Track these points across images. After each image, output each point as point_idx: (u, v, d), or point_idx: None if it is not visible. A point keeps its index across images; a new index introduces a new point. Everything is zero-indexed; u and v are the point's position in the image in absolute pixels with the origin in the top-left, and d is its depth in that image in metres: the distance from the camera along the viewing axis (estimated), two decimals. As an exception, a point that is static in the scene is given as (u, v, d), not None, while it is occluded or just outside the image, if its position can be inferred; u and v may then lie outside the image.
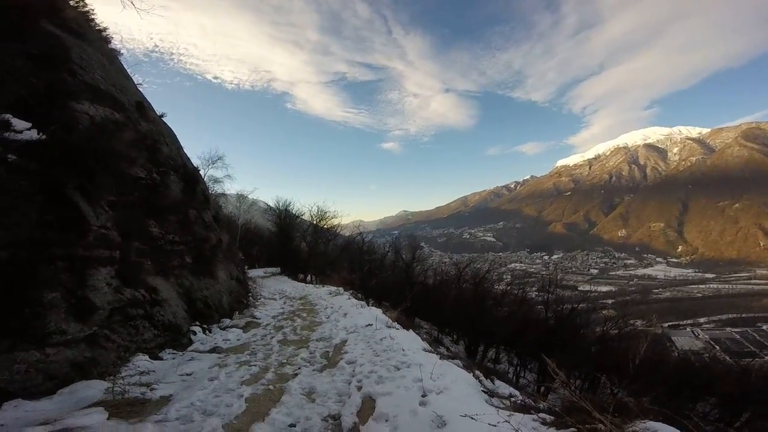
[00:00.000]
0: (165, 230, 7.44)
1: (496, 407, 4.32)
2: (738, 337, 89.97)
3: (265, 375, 5.22)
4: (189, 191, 9.14)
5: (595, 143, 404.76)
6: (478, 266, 35.12)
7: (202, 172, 22.54)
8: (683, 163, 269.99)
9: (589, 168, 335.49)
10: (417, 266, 23.84)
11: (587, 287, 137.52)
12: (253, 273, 23.02)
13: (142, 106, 8.04)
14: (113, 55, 8.85)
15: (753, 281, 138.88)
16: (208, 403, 4.09)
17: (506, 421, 3.20)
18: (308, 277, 25.41)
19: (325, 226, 28.16)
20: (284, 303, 12.61)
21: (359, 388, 4.53)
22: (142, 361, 5.26)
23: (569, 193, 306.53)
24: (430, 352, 6.65)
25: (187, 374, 5.17)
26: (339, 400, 4.40)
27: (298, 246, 29.63)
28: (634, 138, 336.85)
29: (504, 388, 7.73)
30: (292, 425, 3.79)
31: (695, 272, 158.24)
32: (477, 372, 7.99)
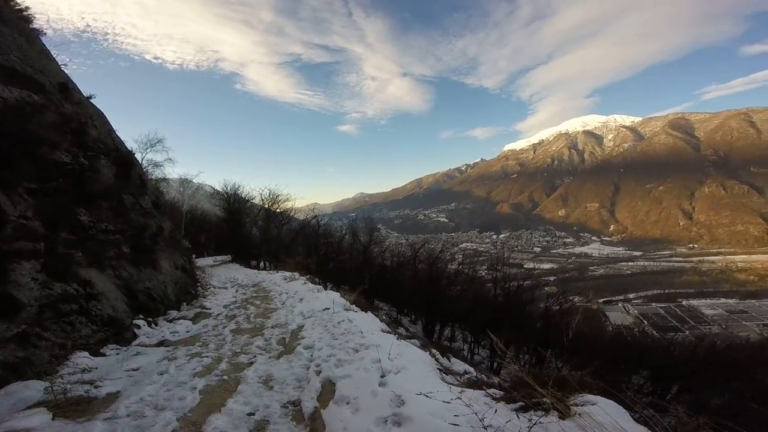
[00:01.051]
0: (97, 218, 6.83)
1: (451, 384, 4.46)
2: (662, 312, 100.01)
3: (218, 366, 5.08)
4: (123, 176, 8.41)
5: (540, 129, 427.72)
6: (432, 247, 36.14)
7: (139, 156, 20.77)
8: (617, 148, 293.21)
9: (534, 152, 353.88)
10: (375, 248, 23.98)
11: (531, 265, 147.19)
12: (202, 262, 21.93)
13: (66, 87, 7.18)
14: (34, 35, 7.94)
15: (674, 258, 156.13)
16: (160, 398, 4.00)
17: (458, 397, 3.33)
18: (261, 264, 24.67)
19: (278, 210, 27.33)
20: (236, 291, 12.19)
21: (318, 373, 4.54)
22: (82, 358, 4.98)
23: (515, 175, 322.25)
24: (388, 333, 6.75)
25: (134, 369, 4.97)
26: (298, 386, 4.40)
27: (250, 231, 28.56)
28: (575, 125, 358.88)
29: (459, 366, 8.07)
30: (251, 414, 3.75)
31: (625, 250, 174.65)
32: (433, 351, 8.18)
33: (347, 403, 3.65)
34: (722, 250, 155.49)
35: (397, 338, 6.48)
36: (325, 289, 12.67)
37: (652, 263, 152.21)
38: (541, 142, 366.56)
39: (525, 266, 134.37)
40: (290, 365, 5.06)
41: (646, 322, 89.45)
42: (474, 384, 4.93)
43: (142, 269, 8.26)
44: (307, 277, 15.04)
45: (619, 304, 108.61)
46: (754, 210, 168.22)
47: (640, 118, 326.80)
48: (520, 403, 3.62)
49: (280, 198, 26.65)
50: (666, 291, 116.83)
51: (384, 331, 6.80)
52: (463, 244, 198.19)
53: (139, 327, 6.80)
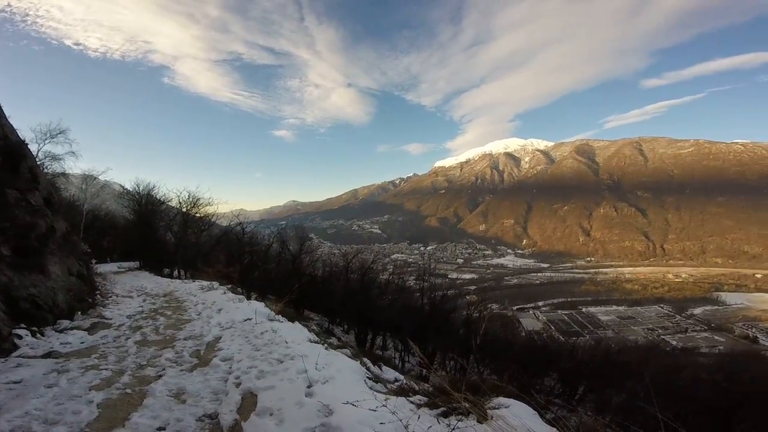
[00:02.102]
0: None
1: (380, 392, 4.51)
2: (566, 318, 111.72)
3: (120, 378, 4.58)
4: (9, 168, 7.23)
5: (468, 148, 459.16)
6: (365, 257, 36.37)
7: (34, 148, 17.92)
8: (531, 170, 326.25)
9: (461, 170, 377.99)
10: (305, 257, 23.38)
11: (455, 275, 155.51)
12: (104, 268, 19.34)
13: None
14: None
15: (575, 270, 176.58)
16: (49, 412, 3.60)
17: (384, 405, 3.38)
18: (176, 272, 22.57)
19: (198, 215, 25.29)
20: (143, 301, 10.97)
21: (238, 385, 4.29)
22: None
23: (443, 191, 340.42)
24: (316, 342, 6.61)
25: (15, 382, 4.36)
26: (215, 399, 4.11)
27: (163, 236, 25.97)
28: (498, 147, 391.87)
29: (390, 374, 8.06)
30: (161, 429, 3.46)
31: (535, 262, 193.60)
32: (365, 359, 8.17)
33: (271, 415, 3.52)
34: (613, 263, 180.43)
35: (326, 348, 6.41)
36: (249, 299, 12.01)
37: (557, 274, 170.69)
38: (467, 161, 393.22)
39: (449, 276, 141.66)
40: (205, 378, 4.71)
41: (553, 327, 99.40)
42: (401, 391, 5.00)
43: (26, 274, 7.13)
44: (229, 286, 14.11)
45: (530, 311, 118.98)
46: (639, 229, 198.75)
47: (553, 143, 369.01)
48: (442, 409, 3.76)
49: (200, 202, 24.66)
50: (569, 299, 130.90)
51: (312, 341, 6.68)
52: (395, 255, 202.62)
53: (20, 337, 6.05)
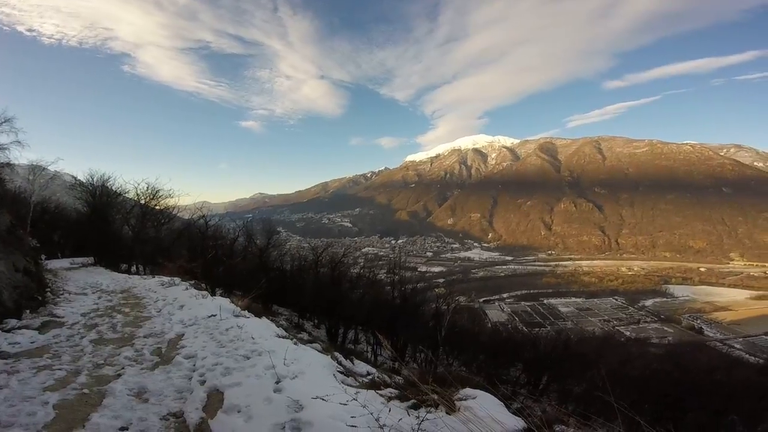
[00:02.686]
0: None
1: (351, 386, 4.56)
2: (529, 309, 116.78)
3: (76, 378, 4.36)
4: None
5: (438, 144, 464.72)
6: (336, 251, 36.17)
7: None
8: (497, 166, 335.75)
9: (431, 165, 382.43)
10: (273, 252, 22.92)
11: (424, 268, 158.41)
12: (56, 264, 18.08)
13: None
14: None
15: (537, 263, 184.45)
16: (2, 414, 3.47)
17: (354, 399, 3.41)
18: (134, 268, 21.49)
19: (158, 207, 24.07)
20: (99, 298, 10.42)
21: (203, 382, 4.19)
22: None
23: (414, 185, 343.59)
24: (284, 338, 6.54)
25: None
26: (179, 397, 4.00)
27: (120, 230, 24.56)
28: (467, 142, 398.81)
29: (362, 367, 8.16)
30: (124, 429, 3.36)
31: (500, 255, 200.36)
32: (336, 354, 8.17)
33: (238, 412, 3.48)
34: (572, 256, 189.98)
35: (295, 343, 6.35)
36: (214, 295, 11.70)
37: (520, 267, 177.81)
38: (437, 156, 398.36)
39: (419, 269, 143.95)
40: (168, 376, 4.58)
41: (517, 318, 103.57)
42: (373, 385, 5.10)
43: (-39, 272, 6.54)
44: (192, 282, 13.62)
45: (496, 303, 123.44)
46: (596, 224, 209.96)
47: (518, 140, 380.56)
48: (412, 401, 3.87)
49: (160, 194, 23.44)
50: (531, 291, 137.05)
51: (280, 337, 6.61)
52: (365, 249, 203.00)
53: (-39, 337, 5.47)
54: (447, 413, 3.42)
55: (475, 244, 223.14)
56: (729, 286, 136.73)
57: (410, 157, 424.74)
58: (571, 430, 4.01)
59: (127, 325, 7.19)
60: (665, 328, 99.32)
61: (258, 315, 8.61)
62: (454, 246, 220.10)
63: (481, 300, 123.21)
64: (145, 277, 16.27)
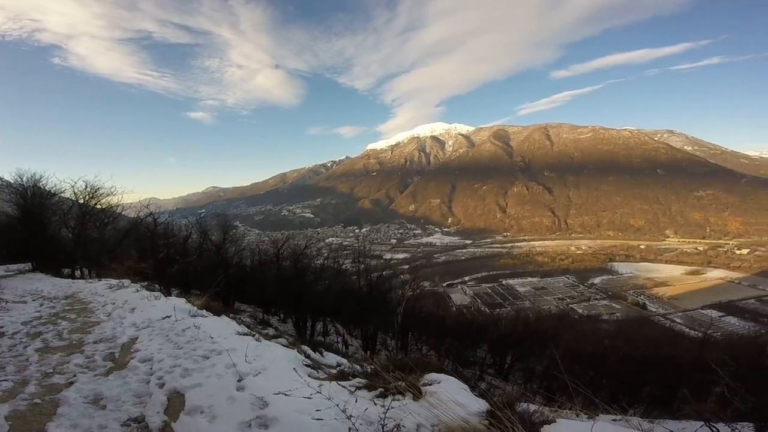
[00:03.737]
0: None
1: (318, 379, 4.62)
2: (490, 291, 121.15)
3: (24, 389, 4.10)
4: None
5: (398, 132, 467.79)
6: (298, 242, 35.59)
7: None
8: (455, 153, 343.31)
9: (392, 153, 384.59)
10: (231, 247, 22.13)
11: (389, 255, 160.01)
12: (-13, 273, 16.39)
13: None
14: None
15: (494, 245, 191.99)
16: None
17: (318, 391, 3.43)
18: (78, 272, 19.93)
19: (99, 206, 22.27)
20: (41, 305, 9.65)
21: (162, 385, 4.09)
22: None
23: (375, 173, 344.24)
24: (245, 335, 6.43)
25: None
26: (139, 402, 3.88)
27: (58, 233, 22.54)
28: (425, 130, 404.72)
29: (332, 359, 8.17)
30: None
31: (460, 239, 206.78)
32: (303, 347, 8.06)
33: (201, 413, 3.45)
34: (526, 237, 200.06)
35: (258, 339, 6.29)
36: (168, 295, 11.23)
37: (479, 249, 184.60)
38: (397, 144, 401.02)
39: (384, 257, 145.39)
40: (124, 381, 4.43)
41: (479, 300, 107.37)
42: (341, 376, 5.15)
43: None
44: (143, 284, 12.97)
45: (459, 287, 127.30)
46: (546, 206, 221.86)
47: (474, 128, 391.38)
48: (380, 390, 3.93)
49: (101, 192, 21.61)
50: (490, 273, 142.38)
51: (241, 334, 6.47)
52: (329, 239, 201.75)
53: None
54: (414, 399, 3.53)
55: (436, 229, 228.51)
56: (666, 262, 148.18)
57: (371, 146, 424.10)
58: (533, 407, 4.32)
59: (74, 332, 6.79)
60: (613, 305, 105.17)
61: (217, 314, 8.42)
62: (417, 232, 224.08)
63: (445, 284, 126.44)
64: (90, 280, 15.21)
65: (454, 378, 4.14)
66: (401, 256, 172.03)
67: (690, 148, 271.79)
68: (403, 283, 24.51)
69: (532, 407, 4.31)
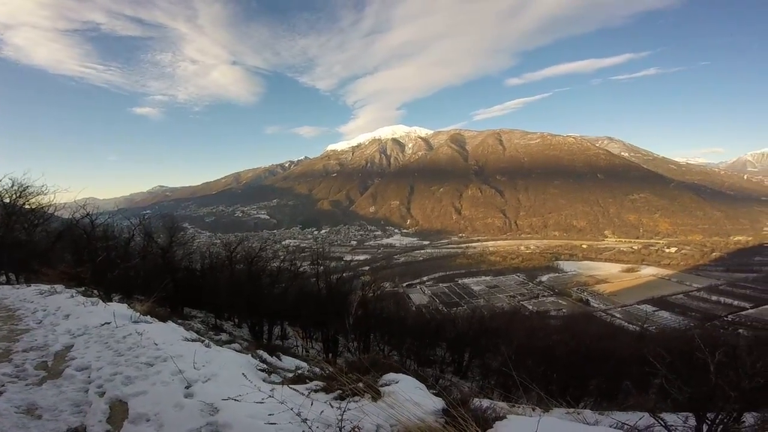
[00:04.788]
0: None
1: (273, 383, 4.54)
2: (447, 290, 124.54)
3: None
4: None
5: (359, 133, 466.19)
6: (252, 245, 34.38)
7: None
8: (414, 155, 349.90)
9: (352, 154, 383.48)
10: (178, 250, 21.04)
11: (349, 257, 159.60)
12: None
13: None
14: None
15: (450, 246, 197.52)
16: None
17: (270, 396, 3.33)
18: (3, 277, 17.98)
19: (27, 206, 20.21)
20: (-44, 316, 8.72)
21: (102, 394, 3.89)
22: None
23: (335, 174, 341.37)
24: (193, 341, 6.22)
25: None
26: (78, 411, 3.66)
27: (-20, 235, 20.17)
28: (386, 133, 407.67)
29: (290, 362, 8.09)
30: None
31: (418, 240, 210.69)
32: (259, 352, 7.97)
33: (147, 420, 3.33)
34: (480, 238, 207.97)
35: (207, 345, 6.11)
36: (109, 301, 10.55)
37: (436, 250, 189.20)
38: (358, 145, 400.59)
39: (344, 259, 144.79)
40: (60, 390, 4.18)
41: (437, 300, 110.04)
42: (298, 379, 5.11)
43: None
44: (79, 289, 12.05)
45: (418, 287, 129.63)
46: (498, 208, 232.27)
47: (432, 131, 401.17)
48: (338, 392, 3.91)
49: (30, 191, 19.63)
50: (447, 273, 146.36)
51: (189, 340, 6.25)
52: (286, 241, 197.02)
53: None
54: (372, 400, 3.51)
55: (396, 230, 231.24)
56: (605, 260, 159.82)
57: (332, 147, 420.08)
58: (486, 404, 4.44)
59: (1, 340, 6.27)
60: (560, 301, 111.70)
61: (163, 319, 8.08)
62: (377, 233, 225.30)
63: (405, 284, 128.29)
64: (17, 286, 13.85)
65: (411, 378, 4.20)
66: (362, 257, 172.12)
67: (627, 154, 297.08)
68: (364, 285, 24.48)
69: (485, 404, 4.44)
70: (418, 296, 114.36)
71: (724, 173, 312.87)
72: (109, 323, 6.67)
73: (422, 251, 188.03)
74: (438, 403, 3.52)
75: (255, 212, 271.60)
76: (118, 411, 3.63)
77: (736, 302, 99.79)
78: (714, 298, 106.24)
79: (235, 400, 3.39)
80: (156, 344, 5.48)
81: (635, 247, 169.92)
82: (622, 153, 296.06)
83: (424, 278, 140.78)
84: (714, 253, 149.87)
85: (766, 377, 5.28)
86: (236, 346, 9.35)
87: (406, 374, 4.38)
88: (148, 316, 7.69)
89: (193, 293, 19.77)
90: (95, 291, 12.94)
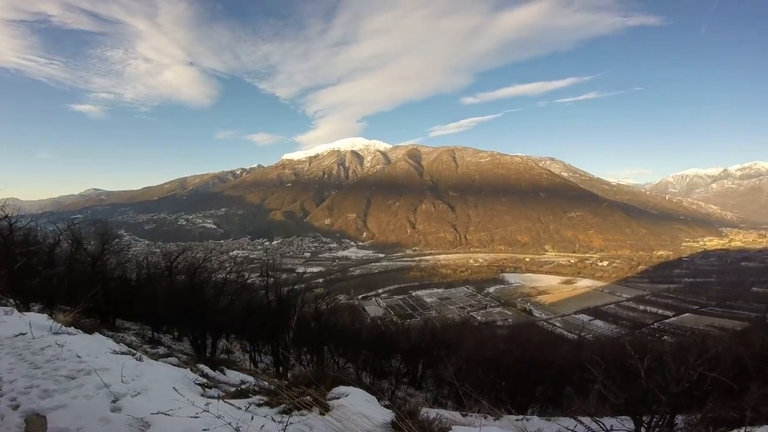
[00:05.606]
0: None
1: (212, 398, 4.41)
2: (401, 302, 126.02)
3: None
4: None
5: (318, 144, 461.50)
6: (196, 255, 32.56)
7: None
8: (372, 169, 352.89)
9: (309, 164, 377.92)
10: (111, 259, 19.35)
11: (302, 269, 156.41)
12: None
13: None
14: None
15: (404, 259, 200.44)
16: None
17: (205, 410, 3.25)
18: None
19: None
20: None
21: (16, 407, 3.59)
22: None
23: (290, 184, 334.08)
24: (123, 354, 5.89)
25: None
26: None
27: None
28: (346, 144, 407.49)
29: (235, 376, 7.88)
30: None
31: (374, 253, 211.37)
32: (200, 366, 7.73)
33: None
34: (432, 251, 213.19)
35: (139, 358, 5.80)
36: (27, 310, 9.45)
37: (391, 263, 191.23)
38: (316, 156, 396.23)
39: (297, 271, 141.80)
40: None
41: (392, 312, 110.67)
42: (240, 393, 5.00)
43: None
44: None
45: (373, 299, 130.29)
46: (450, 222, 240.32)
47: (391, 146, 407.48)
48: (283, 406, 3.83)
49: (-71, 188, 17.13)
50: (402, 285, 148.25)
51: (119, 353, 5.89)
52: (234, 252, 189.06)
53: None
54: (321, 414, 3.46)
55: (352, 243, 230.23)
56: (546, 273, 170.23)
57: (288, 156, 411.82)
58: (433, 415, 4.52)
59: None
60: (506, 311, 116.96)
61: (89, 331, 7.42)
62: (332, 246, 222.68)
63: (360, 297, 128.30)
64: None
65: (361, 390, 4.19)
66: (316, 269, 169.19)
67: (566, 174, 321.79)
68: (317, 297, 24.12)
69: (432, 415, 4.49)
70: (374, 308, 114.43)
71: (649, 194, 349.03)
72: (24, 334, 6.04)
73: (378, 264, 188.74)
74: (387, 415, 3.53)
75: (201, 221, 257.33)
76: (35, 425, 3.38)
77: (660, 311, 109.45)
78: (641, 307, 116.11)
79: (165, 414, 3.26)
80: (79, 357, 5.12)
81: (572, 261, 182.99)
82: (563, 173, 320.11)
83: (380, 290, 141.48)
84: (640, 266, 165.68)
85: (691, 381, 5.72)
86: (173, 359, 8.92)
87: (357, 387, 4.34)
88: (72, 328, 7.05)
89: (128, 304, 18.43)
90: (11, 300, 11.57)
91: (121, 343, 7.73)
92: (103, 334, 7.97)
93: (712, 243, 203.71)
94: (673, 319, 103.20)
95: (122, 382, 4.18)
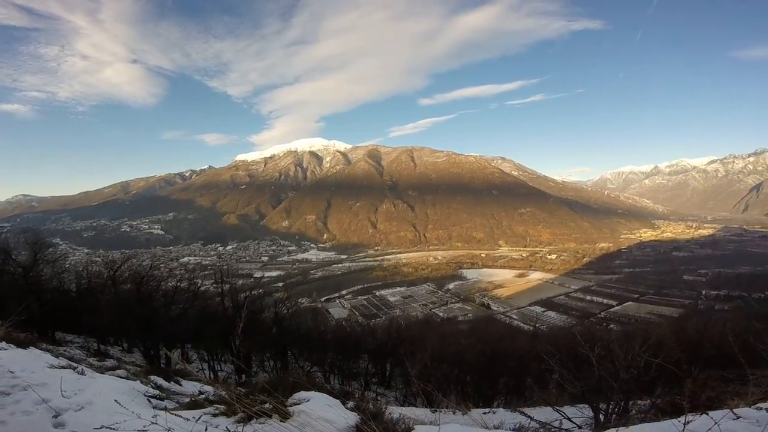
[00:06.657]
0: None
1: (163, 409, 4.15)
2: (366, 303, 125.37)
3: None
4: None
5: (273, 144, 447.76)
6: (142, 263, 30.73)
7: None
8: (332, 169, 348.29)
9: (265, 165, 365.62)
10: (46, 269, 17.79)
11: (260, 273, 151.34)
12: None
13: None
14: None
15: (366, 259, 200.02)
16: None
17: (154, 422, 3.14)
18: None
19: None
20: None
21: None
22: None
23: (244, 186, 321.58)
24: (63, 368, 5.53)
25: None
26: None
27: None
28: (303, 145, 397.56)
29: (192, 387, 7.56)
30: None
31: (336, 254, 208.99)
32: (153, 377, 7.41)
33: None
34: (394, 250, 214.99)
35: (81, 372, 5.48)
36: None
37: (354, 263, 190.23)
38: (272, 157, 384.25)
39: (255, 276, 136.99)
40: None
41: (357, 312, 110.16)
42: (194, 404, 4.81)
43: None
44: None
45: (337, 301, 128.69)
46: (410, 222, 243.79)
47: (351, 146, 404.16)
48: (241, 415, 3.69)
49: None
50: (365, 285, 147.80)
51: (57, 367, 5.51)
52: (185, 258, 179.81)
53: None
54: (281, 421, 3.37)
55: (312, 245, 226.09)
56: (501, 267, 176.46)
57: (241, 157, 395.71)
58: (396, 415, 4.49)
59: None
60: (466, 307, 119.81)
61: (23, 345, 6.88)
62: (291, 249, 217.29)
63: (323, 299, 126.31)
64: None
65: (323, 395, 4.14)
66: (274, 273, 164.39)
67: (516, 173, 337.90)
68: (276, 302, 23.56)
69: (395, 416, 4.49)
70: (338, 310, 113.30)
71: (591, 190, 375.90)
72: (-56, 352, 5.46)
73: (340, 265, 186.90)
74: (351, 418, 3.51)
75: (147, 227, 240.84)
76: (-31, 444, 3.15)
77: (605, 300, 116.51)
78: (588, 297, 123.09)
79: (110, 429, 3.12)
80: (12, 372, 4.76)
81: (524, 255, 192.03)
82: (513, 172, 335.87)
83: (343, 292, 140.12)
84: (585, 258, 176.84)
85: (639, 368, 5.99)
86: (121, 372, 8.45)
87: (319, 392, 4.31)
88: (3, 342, 6.48)
89: (69, 316, 17.12)
90: None
91: (60, 357, 7.22)
92: (40, 348, 7.41)
93: (647, 235, 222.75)
94: (617, 308, 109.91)
95: (63, 396, 3.96)
